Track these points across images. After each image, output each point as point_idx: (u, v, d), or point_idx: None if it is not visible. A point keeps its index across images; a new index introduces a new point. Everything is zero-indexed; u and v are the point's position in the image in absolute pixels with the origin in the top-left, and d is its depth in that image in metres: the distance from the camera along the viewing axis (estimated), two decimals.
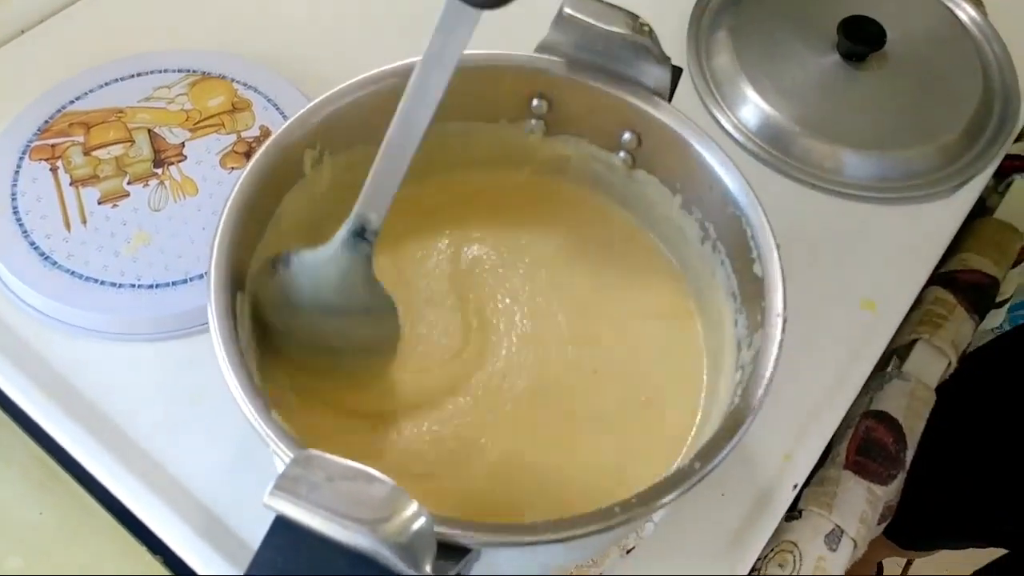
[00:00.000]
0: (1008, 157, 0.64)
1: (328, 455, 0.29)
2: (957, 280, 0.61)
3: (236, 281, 0.37)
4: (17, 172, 0.52)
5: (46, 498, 0.47)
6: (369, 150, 0.44)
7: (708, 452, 0.33)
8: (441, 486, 0.39)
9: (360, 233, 0.38)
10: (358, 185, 0.45)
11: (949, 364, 0.59)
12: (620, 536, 0.43)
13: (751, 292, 0.39)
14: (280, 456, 0.32)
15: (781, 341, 0.35)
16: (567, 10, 0.41)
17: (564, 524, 0.31)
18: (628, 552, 0.44)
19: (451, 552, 0.31)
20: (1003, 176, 0.66)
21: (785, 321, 0.36)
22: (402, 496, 0.28)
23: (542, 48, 0.43)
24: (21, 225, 0.50)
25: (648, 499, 0.32)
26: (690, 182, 0.42)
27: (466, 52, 0.43)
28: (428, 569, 0.28)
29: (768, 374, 0.34)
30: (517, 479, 0.39)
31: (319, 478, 0.28)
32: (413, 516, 0.28)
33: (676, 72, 0.43)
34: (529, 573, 0.39)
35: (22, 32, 0.60)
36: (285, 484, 0.28)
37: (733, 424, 0.34)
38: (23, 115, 0.54)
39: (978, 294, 0.61)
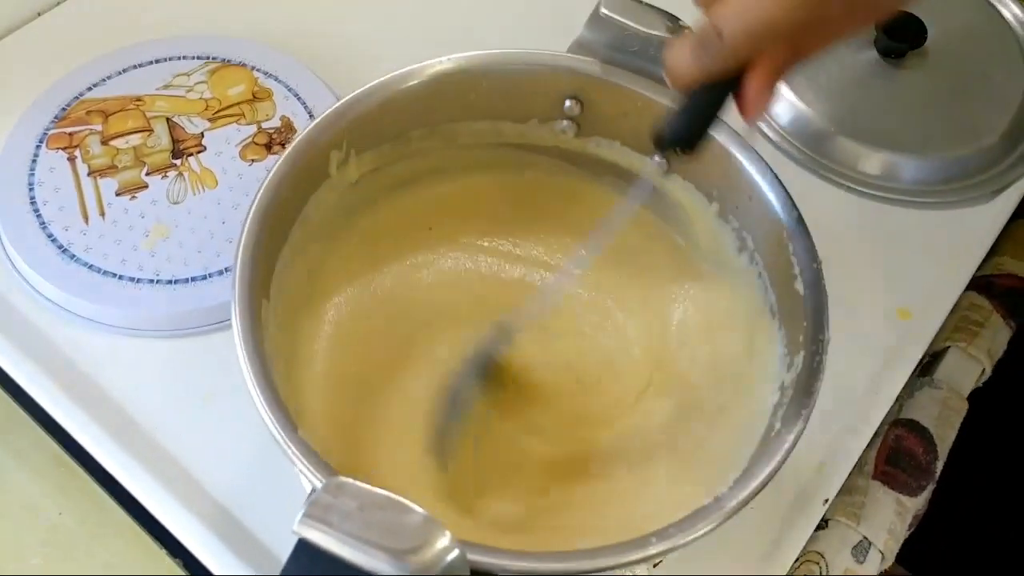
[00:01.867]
0: None
1: (359, 483, 0.28)
2: (993, 285, 0.59)
3: (262, 287, 0.36)
4: (35, 161, 0.51)
5: (64, 499, 0.46)
6: (397, 149, 0.43)
7: (746, 480, 0.32)
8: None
9: None
10: (385, 185, 0.44)
11: (983, 372, 0.57)
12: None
13: (791, 309, 0.37)
14: (308, 478, 0.31)
15: (824, 366, 0.34)
16: (604, 10, 0.39)
17: (600, 553, 0.30)
18: (655, 566, 0.43)
19: None
20: None
21: (828, 342, 0.35)
22: (435, 526, 0.28)
23: (576, 48, 0.41)
24: (39, 216, 0.49)
25: (685, 528, 0.31)
26: (728, 190, 0.41)
27: (497, 51, 0.42)
28: None
29: (812, 402, 0.33)
30: (557, 502, 0.39)
31: (351, 507, 0.28)
32: (446, 547, 0.27)
33: None
34: None
35: (39, 15, 0.59)
36: (316, 512, 0.27)
37: (773, 450, 0.33)
38: (40, 101, 0.53)
39: (1015, 299, 0.60)
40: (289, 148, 0.38)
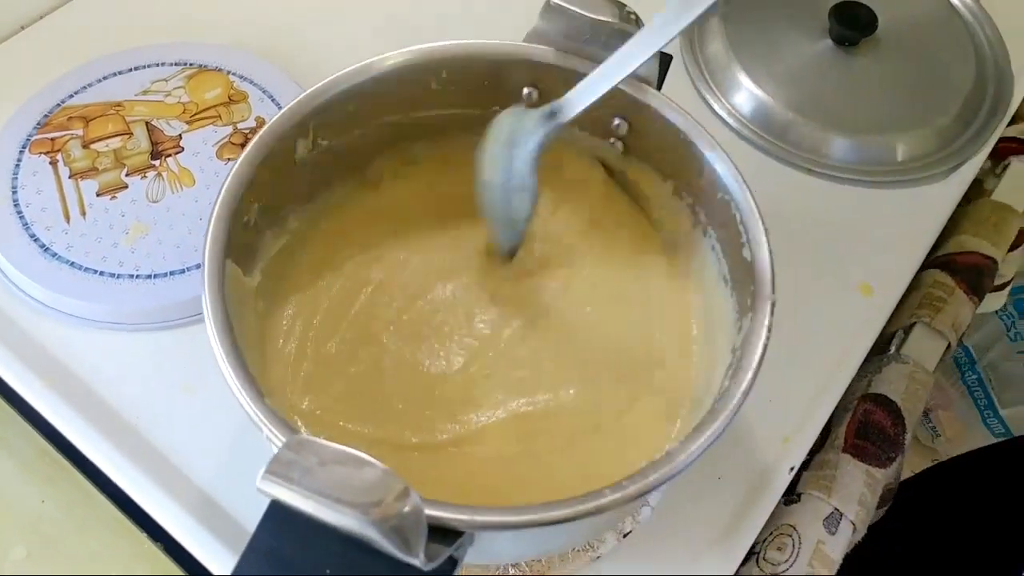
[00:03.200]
0: (1005, 140, 0.63)
1: (319, 440, 0.29)
2: (955, 262, 0.61)
3: (235, 255, 0.38)
4: (18, 166, 0.52)
5: (49, 488, 0.47)
6: (365, 134, 0.45)
7: (695, 436, 0.33)
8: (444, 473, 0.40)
9: (552, 115, 0.41)
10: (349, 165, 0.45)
11: (948, 346, 0.59)
12: (615, 520, 0.43)
13: (741, 276, 0.39)
14: (273, 441, 0.32)
15: (770, 325, 0.35)
16: (555, 0, 0.41)
17: (554, 506, 0.31)
18: (625, 536, 0.44)
19: (444, 535, 0.31)
20: (1000, 158, 0.66)
21: (774, 305, 0.36)
22: (393, 479, 0.29)
23: (531, 37, 0.43)
24: (22, 217, 0.50)
25: (637, 481, 0.32)
26: (680, 168, 0.42)
27: (455, 42, 0.44)
28: (420, 551, 0.29)
29: (757, 357, 0.34)
30: (513, 467, 0.40)
31: (311, 462, 0.29)
32: (403, 499, 0.28)
33: (665, 59, 0.43)
34: (525, 557, 0.40)
35: (21, 28, 0.61)
36: (277, 468, 0.29)
37: (721, 407, 0.34)
38: (23, 110, 0.54)
39: (977, 276, 0.61)
40: (256, 136, 0.40)
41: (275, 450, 0.30)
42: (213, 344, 0.34)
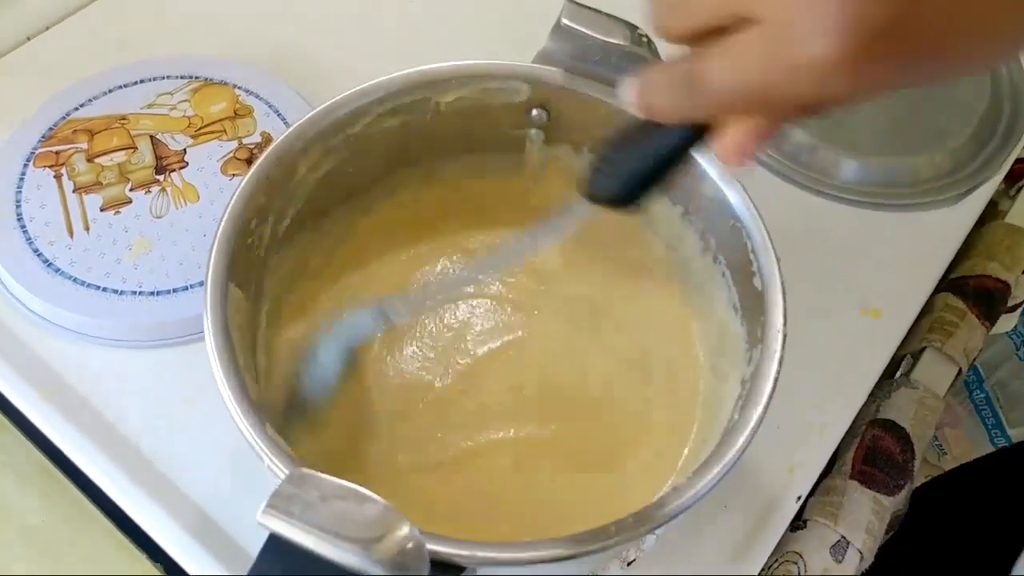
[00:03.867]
0: (1021, 160, 0.63)
1: (321, 474, 0.29)
2: (967, 286, 0.60)
3: (238, 279, 0.37)
4: (22, 179, 0.52)
5: (48, 504, 0.47)
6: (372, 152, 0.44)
7: (704, 471, 0.32)
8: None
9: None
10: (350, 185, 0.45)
11: (959, 371, 0.58)
12: (620, 550, 0.43)
13: (752, 305, 0.38)
14: (275, 472, 0.32)
15: (780, 358, 0.35)
16: (565, 21, 0.40)
17: (559, 544, 0.31)
18: (629, 564, 0.44)
19: (445, 570, 0.30)
20: (1015, 180, 0.65)
21: (785, 337, 0.35)
22: (395, 515, 0.28)
23: (540, 58, 0.42)
24: (25, 232, 0.50)
25: (644, 519, 0.32)
26: (689, 193, 0.42)
27: (465, 61, 0.43)
28: None
29: (767, 391, 0.34)
30: (513, 497, 0.39)
31: (312, 497, 0.28)
32: (406, 536, 0.28)
33: None
34: None
35: (28, 39, 0.60)
36: (278, 503, 0.28)
37: (731, 441, 0.33)
38: (28, 122, 0.54)
39: (989, 300, 0.60)
40: (262, 157, 0.39)
41: (276, 480, 0.30)
42: (215, 370, 0.34)
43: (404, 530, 0.28)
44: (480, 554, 0.30)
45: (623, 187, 0.32)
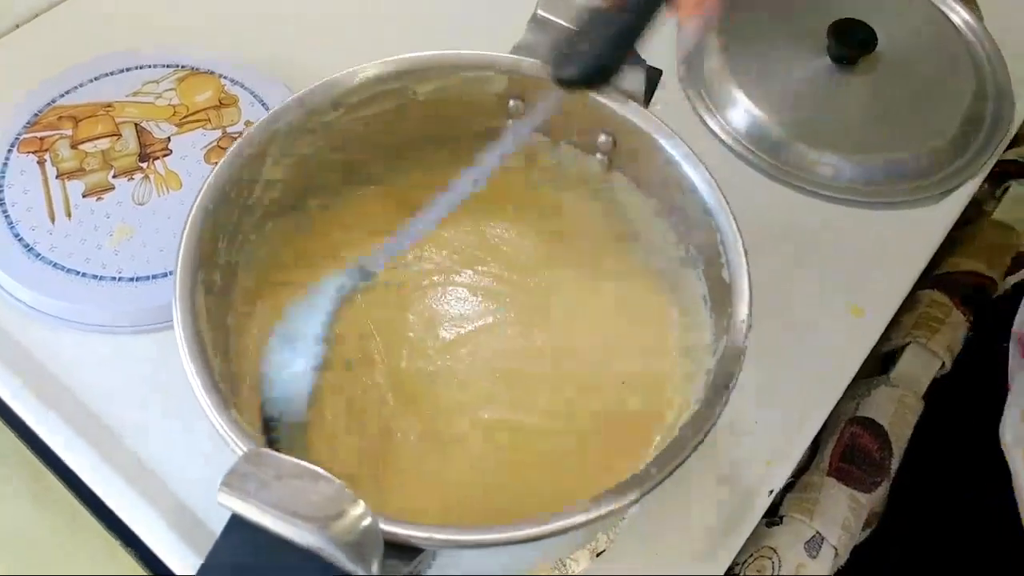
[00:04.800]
0: (1004, 162, 0.63)
1: (277, 453, 0.29)
2: (953, 282, 0.60)
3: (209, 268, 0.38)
4: (5, 164, 0.52)
5: (31, 496, 0.47)
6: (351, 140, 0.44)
7: (665, 458, 0.33)
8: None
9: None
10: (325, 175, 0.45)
11: (943, 366, 0.58)
12: (587, 539, 0.43)
13: (720, 297, 0.38)
14: (236, 452, 0.32)
15: (743, 350, 0.35)
16: (541, 12, 0.41)
17: (517, 526, 0.31)
18: (598, 555, 0.44)
19: (402, 552, 0.31)
20: (1000, 180, 0.65)
21: (749, 328, 0.35)
22: (348, 496, 0.28)
23: (518, 49, 0.43)
24: (7, 217, 0.50)
25: (603, 502, 0.32)
26: (663, 186, 0.42)
27: (442, 52, 0.43)
28: (375, 568, 0.29)
29: (731, 383, 0.34)
30: (485, 483, 0.40)
31: (268, 475, 0.29)
32: (360, 516, 0.28)
33: (654, 74, 0.42)
34: (491, 574, 0.39)
35: (16, 26, 0.61)
36: (233, 480, 0.29)
37: (693, 431, 0.33)
38: (13, 109, 0.54)
39: (974, 296, 0.60)
40: (233, 145, 0.39)
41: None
42: (181, 350, 0.34)
43: (358, 511, 0.28)
44: (438, 536, 0.31)
45: (594, 62, 0.34)
